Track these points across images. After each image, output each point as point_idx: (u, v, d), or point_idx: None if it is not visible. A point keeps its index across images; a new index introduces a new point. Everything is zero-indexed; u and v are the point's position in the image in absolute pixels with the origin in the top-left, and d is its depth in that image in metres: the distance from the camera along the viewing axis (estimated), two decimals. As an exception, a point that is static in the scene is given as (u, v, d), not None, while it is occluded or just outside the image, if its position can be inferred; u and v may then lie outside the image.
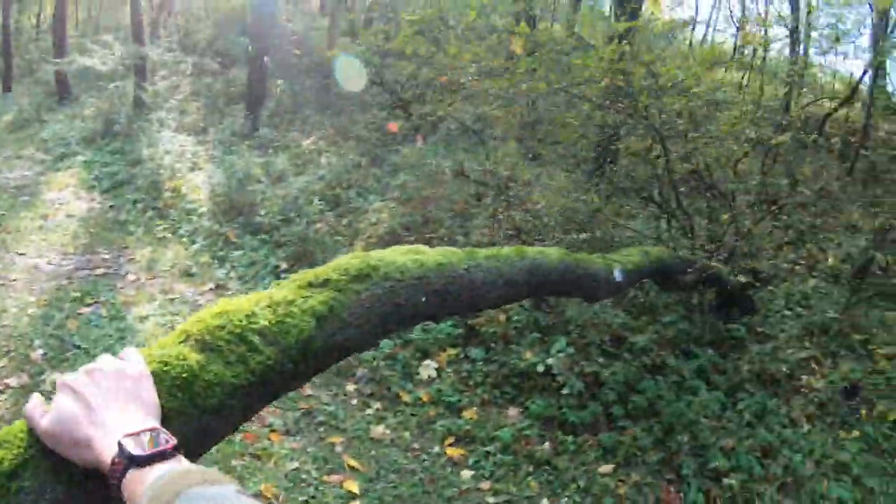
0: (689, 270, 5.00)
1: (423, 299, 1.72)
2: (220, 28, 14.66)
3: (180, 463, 0.80)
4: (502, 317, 4.94)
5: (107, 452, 0.79)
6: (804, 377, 5.49)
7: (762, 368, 5.31)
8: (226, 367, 1.15)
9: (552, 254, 2.66)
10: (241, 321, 1.23)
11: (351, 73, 8.55)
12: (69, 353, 4.50)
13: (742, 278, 6.00)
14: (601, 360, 4.84)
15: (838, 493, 4.20)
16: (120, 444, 0.78)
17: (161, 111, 9.80)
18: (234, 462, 3.46)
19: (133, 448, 0.78)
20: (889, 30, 12.20)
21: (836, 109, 14.09)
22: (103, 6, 19.38)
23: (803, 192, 8.94)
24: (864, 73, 13.87)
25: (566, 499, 3.79)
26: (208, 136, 9.34)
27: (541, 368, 4.41)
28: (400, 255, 1.73)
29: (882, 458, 4.65)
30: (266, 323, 1.27)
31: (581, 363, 4.60)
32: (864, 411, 5.24)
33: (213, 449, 3.10)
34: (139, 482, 0.76)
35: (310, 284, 1.44)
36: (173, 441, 0.82)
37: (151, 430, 0.82)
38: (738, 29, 15.13)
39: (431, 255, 1.86)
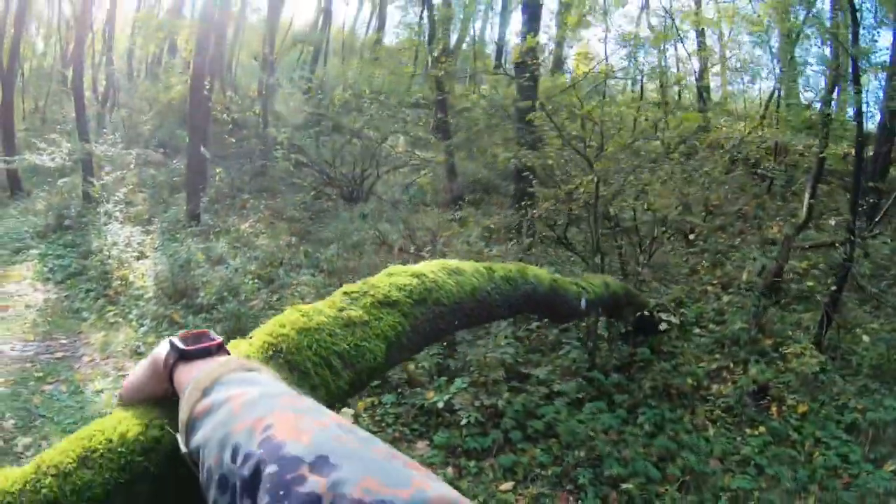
0: (630, 303, 5.87)
1: (456, 322, 1.97)
2: (162, 118, 15.63)
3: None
4: (412, 366, 5.78)
5: (161, 355, 0.93)
6: (715, 386, 6.25)
7: (665, 384, 6.03)
8: (311, 391, 1.24)
9: (544, 278, 3.17)
10: (325, 342, 1.35)
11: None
12: (36, 421, 5.20)
13: (664, 315, 6.85)
14: (507, 393, 5.66)
15: (740, 483, 4.84)
16: (170, 342, 0.91)
17: (108, 204, 10.59)
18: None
19: (180, 343, 0.90)
20: (793, 49, 13.41)
21: (749, 132, 15.21)
22: (50, 98, 20.05)
23: (692, 222, 9.90)
24: (773, 93, 15.14)
25: None
26: (153, 225, 10.17)
27: (440, 405, 5.23)
28: (445, 275, 1.93)
29: (791, 448, 5.35)
30: (346, 346, 1.38)
31: (481, 397, 5.43)
32: (774, 408, 5.96)
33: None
34: (187, 373, 0.87)
35: (380, 304, 1.58)
36: (219, 339, 0.93)
37: (200, 331, 0.95)
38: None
39: (467, 274, 2.11)
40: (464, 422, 5.11)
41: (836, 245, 8.34)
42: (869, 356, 6.85)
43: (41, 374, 6.07)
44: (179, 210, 10.60)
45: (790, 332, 7.33)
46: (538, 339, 6.90)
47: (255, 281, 7.73)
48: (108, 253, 8.87)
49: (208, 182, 11.24)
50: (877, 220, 9.83)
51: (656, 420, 5.59)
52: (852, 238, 6.94)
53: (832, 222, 10.50)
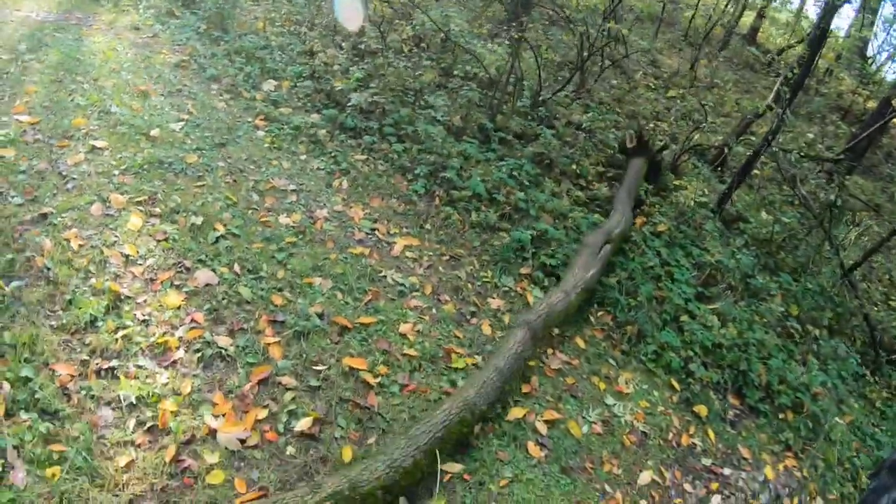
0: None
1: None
2: None
3: None
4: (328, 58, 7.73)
5: None
6: (596, 184, 7.70)
7: (548, 157, 7.54)
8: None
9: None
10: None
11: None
12: (45, 49, 7.25)
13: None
14: (402, 107, 7.34)
15: (554, 233, 6.24)
16: None
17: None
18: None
19: None
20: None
21: (791, 46, 16.52)
22: None
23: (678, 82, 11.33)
24: (822, 16, 16.07)
25: (320, 160, 6.45)
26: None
27: (341, 88, 7.19)
28: None
29: (629, 248, 6.55)
30: None
31: (375, 97, 7.23)
32: (638, 221, 7.14)
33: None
34: None
35: None
36: None
37: None
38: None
39: None
40: (348, 104, 7.07)
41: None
42: (756, 227, 8.12)
43: (54, 28, 8.13)
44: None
45: (701, 181, 8.71)
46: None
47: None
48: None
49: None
50: (849, 145, 11.04)
51: (514, 168, 6.98)
52: (783, 113, 7.73)
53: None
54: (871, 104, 15.04)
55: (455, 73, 8.44)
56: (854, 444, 5.89)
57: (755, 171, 10.11)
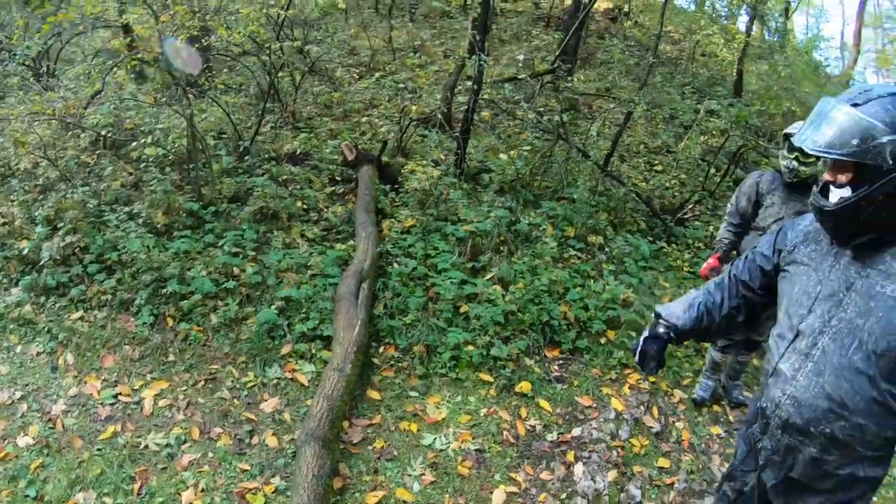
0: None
1: None
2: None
3: None
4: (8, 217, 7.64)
5: None
6: (331, 208, 7.66)
7: (272, 209, 7.39)
8: None
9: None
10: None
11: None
12: None
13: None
14: (98, 234, 6.82)
15: (294, 293, 6.12)
16: None
17: None
18: None
19: None
20: None
21: None
22: None
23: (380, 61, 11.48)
24: None
25: (37, 343, 5.93)
26: None
27: (26, 251, 6.71)
28: None
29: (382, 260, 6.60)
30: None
31: (66, 238, 6.68)
32: (385, 225, 7.19)
33: None
34: None
35: None
36: None
37: None
38: None
39: None
40: (42, 262, 6.50)
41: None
42: (498, 176, 8.29)
43: None
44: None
45: (439, 153, 8.83)
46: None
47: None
48: None
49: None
50: (557, 52, 11.53)
51: (235, 241, 6.82)
52: (480, 60, 7.88)
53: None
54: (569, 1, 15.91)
55: (146, 164, 8.39)
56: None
57: (484, 114, 10.70)
